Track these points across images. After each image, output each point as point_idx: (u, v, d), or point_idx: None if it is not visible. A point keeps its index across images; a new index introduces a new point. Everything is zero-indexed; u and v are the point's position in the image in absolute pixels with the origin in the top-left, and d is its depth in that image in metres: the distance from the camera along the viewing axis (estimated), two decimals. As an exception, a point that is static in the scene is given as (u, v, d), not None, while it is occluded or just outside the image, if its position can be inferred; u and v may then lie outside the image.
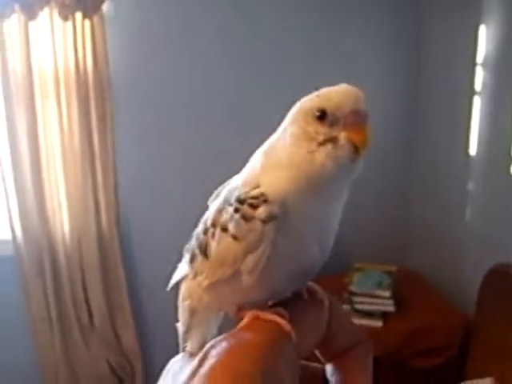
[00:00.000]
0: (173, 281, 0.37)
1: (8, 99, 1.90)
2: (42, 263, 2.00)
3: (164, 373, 0.28)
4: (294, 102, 0.33)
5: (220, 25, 2.08)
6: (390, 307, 1.93)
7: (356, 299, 1.95)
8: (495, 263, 1.82)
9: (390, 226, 2.38)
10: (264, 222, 0.27)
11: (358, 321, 1.90)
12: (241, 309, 0.30)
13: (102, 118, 1.97)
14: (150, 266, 2.18)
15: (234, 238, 0.28)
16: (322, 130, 0.28)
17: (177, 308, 0.36)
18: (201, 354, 0.25)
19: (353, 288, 1.98)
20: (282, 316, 0.26)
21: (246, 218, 0.27)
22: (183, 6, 2.05)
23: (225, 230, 0.28)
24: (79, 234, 2.03)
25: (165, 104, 2.09)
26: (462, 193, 2.09)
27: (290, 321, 0.26)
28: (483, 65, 1.97)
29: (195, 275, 0.32)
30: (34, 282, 2.01)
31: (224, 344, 0.25)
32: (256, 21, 2.11)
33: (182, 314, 0.36)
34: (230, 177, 0.33)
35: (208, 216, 0.31)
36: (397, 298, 1.95)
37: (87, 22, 1.94)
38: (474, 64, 2.01)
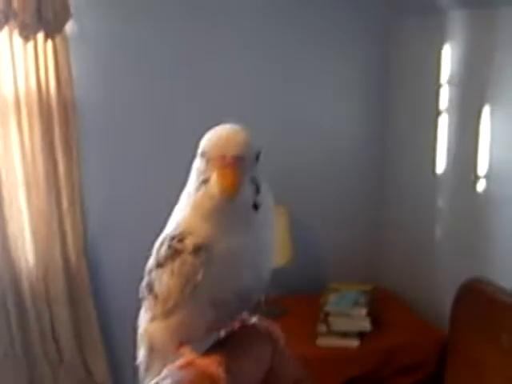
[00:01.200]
0: (138, 323, 0.39)
1: (-35, 125, 1.81)
2: (5, 297, 1.93)
3: None
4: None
5: (186, 48, 2.07)
6: (366, 326, 1.95)
7: (332, 319, 1.96)
8: (466, 278, 1.87)
9: (364, 247, 2.42)
10: (192, 253, 0.30)
11: (334, 342, 1.92)
12: (181, 346, 0.32)
13: (66, 143, 1.93)
14: (121, 297, 2.09)
15: (172, 272, 0.32)
16: (202, 169, 0.32)
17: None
18: None
19: (328, 308, 1.99)
20: (216, 364, 0.27)
21: (176, 251, 0.31)
22: (149, 27, 2.02)
23: (162, 266, 0.32)
24: (45, 266, 1.96)
25: (132, 128, 2.06)
26: (431, 211, 2.15)
27: (230, 361, 0.27)
28: (449, 83, 2.05)
29: (148, 314, 0.35)
30: (-4, 317, 1.92)
31: (168, 381, 0.27)
32: (224, 43, 2.11)
33: (141, 352, 0.38)
34: None
35: (151, 258, 0.34)
36: (373, 316, 1.97)
37: (49, 43, 1.89)
38: (439, 85, 2.07)
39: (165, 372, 0.28)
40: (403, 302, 2.26)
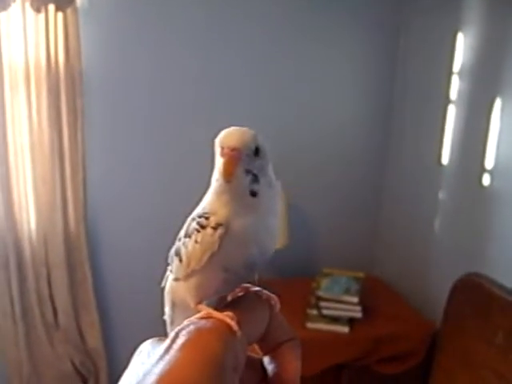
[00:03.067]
0: (163, 283, 0.45)
1: (-24, 91, 1.93)
2: (7, 258, 2.05)
3: (136, 353, 0.34)
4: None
5: (197, 20, 2.13)
6: (357, 313, 1.99)
7: (323, 304, 2.01)
8: (463, 273, 1.89)
9: (359, 233, 2.45)
10: (214, 228, 0.38)
11: (324, 326, 1.97)
12: (200, 304, 0.39)
13: (72, 113, 2.01)
14: (117, 264, 2.23)
15: (195, 241, 0.39)
16: (217, 157, 0.39)
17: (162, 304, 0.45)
18: (172, 335, 0.32)
19: (320, 293, 2.04)
20: (230, 317, 0.33)
21: (202, 226, 0.39)
22: (160, 1, 2.08)
23: (190, 236, 0.40)
24: (45, 230, 2.07)
25: (138, 100, 2.14)
26: (433, 201, 2.17)
27: (239, 319, 0.34)
28: (460, 73, 2.04)
29: (173, 275, 0.43)
30: (-2, 277, 2.04)
31: (191, 327, 0.32)
32: (234, 18, 2.15)
33: (167, 308, 0.45)
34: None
35: (182, 230, 0.42)
36: (364, 304, 2.02)
37: (60, 15, 1.98)
38: (451, 73, 2.07)
39: (186, 322, 0.33)
40: (396, 291, 2.29)
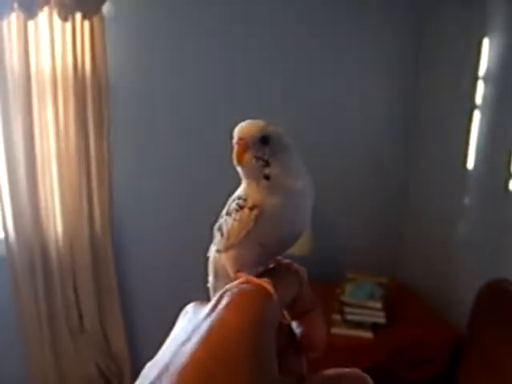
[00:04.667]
0: (208, 254, 0.50)
1: (5, 99, 2.01)
2: (34, 264, 2.12)
3: (182, 313, 0.37)
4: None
5: (220, 27, 2.18)
6: (381, 319, 2.03)
7: (347, 309, 2.05)
8: (489, 279, 1.90)
9: (384, 237, 2.47)
10: (250, 209, 0.43)
11: (348, 331, 2.01)
12: (239, 272, 0.44)
13: (99, 122, 2.08)
14: (142, 269, 2.29)
15: (234, 220, 0.44)
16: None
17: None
18: (217, 296, 0.35)
19: (344, 298, 2.08)
20: (267, 282, 0.37)
21: (240, 206, 0.44)
22: (184, 9, 2.15)
23: (230, 215, 0.45)
24: (72, 237, 2.13)
25: (165, 109, 2.19)
26: (458, 206, 2.19)
27: (273, 285, 0.37)
28: (485, 78, 2.07)
29: (216, 247, 0.48)
30: (24, 282, 2.11)
31: (234, 290, 0.35)
32: (255, 24, 2.20)
33: (210, 277, 0.50)
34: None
35: (224, 208, 0.48)
36: (388, 309, 2.05)
37: (87, 23, 2.04)
38: (476, 78, 2.09)
39: (228, 286, 0.37)
40: (420, 297, 2.31)
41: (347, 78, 2.31)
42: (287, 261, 0.45)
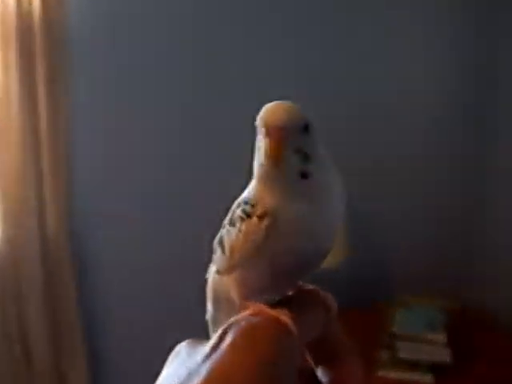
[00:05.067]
0: (207, 275, 0.43)
1: None
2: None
3: (172, 354, 0.32)
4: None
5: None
6: (445, 356, 1.64)
7: (399, 344, 1.67)
8: None
9: (445, 248, 2.04)
10: (259, 217, 0.36)
11: (401, 374, 1.63)
12: (247, 300, 0.36)
13: (52, 85, 1.61)
14: (114, 292, 1.84)
15: (239, 231, 0.37)
16: (259, 139, 0.37)
17: None
18: (219, 332, 0.30)
19: (395, 329, 1.72)
20: (285, 315, 0.31)
21: (247, 214, 0.37)
22: None
23: (234, 224, 0.38)
24: (15, 246, 1.68)
25: (145, 69, 1.72)
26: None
27: (293, 318, 0.31)
28: None
29: (216, 267, 0.41)
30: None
31: (242, 324, 0.30)
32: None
33: (209, 305, 0.42)
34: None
35: (227, 215, 0.40)
36: (454, 344, 1.68)
37: None
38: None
39: (234, 319, 0.31)
40: (498, 327, 1.93)
41: (405, 70, 1.89)
42: (311, 287, 0.38)
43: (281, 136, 0.35)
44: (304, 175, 0.36)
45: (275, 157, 0.34)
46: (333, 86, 1.81)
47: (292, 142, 0.35)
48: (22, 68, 1.56)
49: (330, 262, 1.54)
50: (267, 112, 0.36)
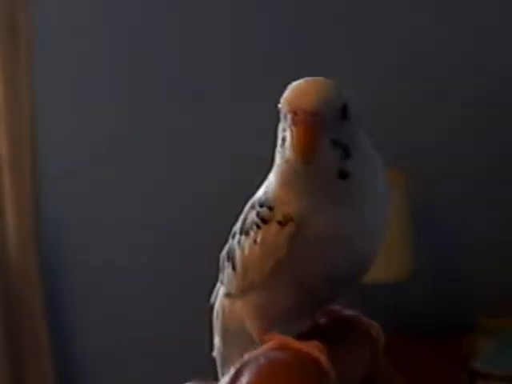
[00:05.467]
0: (212, 299, 0.37)
1: None
2: None
3: None
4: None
5: None
6: None
7: None
8: None
9: None
10: (280, 223, 0.30)
11: None
12: (267, 331, 0.31)
13: (10, 41, 1.28)
14: (96, 327, 1.47)
15: (254, 242, 0.31)
16: (282, 127, 0.31)
17: None
18: (232, 372, 0.26)
19: (478, 364, 1.34)
20: (318, 348, 0.27)
21: (263, 219, 0.31)
22: None
23: (247, 233, 0.32)
24: None
25: (130, 21, 1.40)
26: None
27: (328, 355, 0.27)
28: None
29: (225, 288, 0.35)
30: None
31: (261, 361, 0.26)
32: None
33: (216, 339, 0.37)
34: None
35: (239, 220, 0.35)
36: None
37: None
38: None
39: (249, 356, 0.26)
40: None
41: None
42: (350, 312, 0.33)
43: (313, 124, 0.28)
44: (343, 175, 0.29)
45: (306, 151, 0.28)
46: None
47: (328, 132, 0.28)
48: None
49: (389, 279, 1.15)
50: (294, 92, 0.29)
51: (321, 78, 0.29)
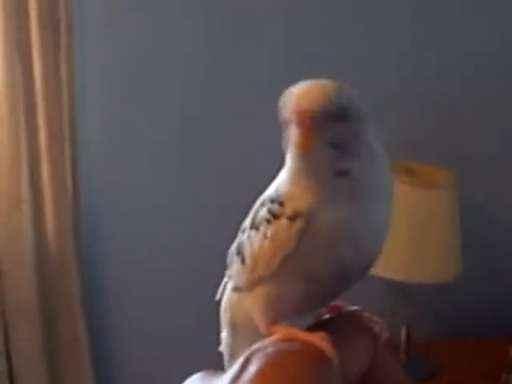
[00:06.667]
0: (219, 295, 0.38)
1: None
2: None
3: None
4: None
5: None
6: None
7: None
8: None
9: None
10: (290, 219, 0.31)
11: None
12: (274, 324, 0.32)
13: (53, 43, 1.20)
14: (132, 312, 1.43)
15: (264, 236, 0.32)
16: (289, 127, 0.32)
17: None
18: (241, 360, 0.26)
19: None
20: (324, 339, 0.27)
21: (274, 215, 0.32)
22: None
23: (257, 228, 0.33)
24: (2, 256, 1.25)
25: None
26: None
27: (333, 346, 0.27)
28: None
29: (233, 282, 0.36)
30: None
31: (269, 350, 0.26)
32: None
33: (224, 333, 0.37)
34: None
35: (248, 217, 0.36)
36: None
37: None
38: None
39: (257, 345, 0.26)
40: None
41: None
42: (353, 308, 0.33)
43: (310, 124, 0.29)
44: (340, 173, 0.30)
45: (303, 150, 0.30)
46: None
47: (326, 132, 0.30)
48: (9, 19, 1.13)
49: (438, 279, 1.07)
50: (296, 93, 0.30)
51: (323, 81, 0.31)
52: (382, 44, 1.33)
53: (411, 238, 1.17)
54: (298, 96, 0.30)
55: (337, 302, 0.33)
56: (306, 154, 0.30)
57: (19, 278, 1.24)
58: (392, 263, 1.17)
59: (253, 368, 0.25)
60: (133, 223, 1.39)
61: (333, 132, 0.30)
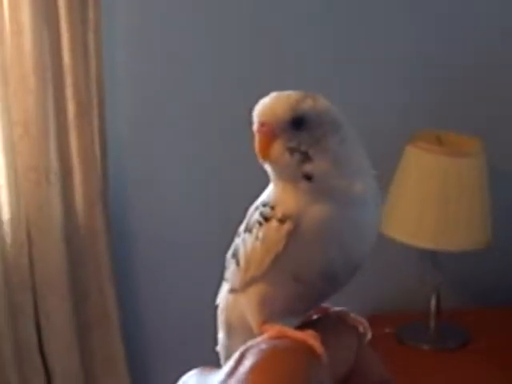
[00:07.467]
0: (218, 300, 0.39)
1: None
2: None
3: None
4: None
5: None
6: None
7: None
8: None
9: None
10: (280, 221, 0.32)
11: None
12: (266, 323, 0.33)
13: (80, 16, 1.20)
14: (161, 289, 1.42)
15: (257, 238, 0.33)
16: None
17: None
18: (237, 356, 0.27)
19: None
20: (313, 337, 0.28)
21: (265, 218, 0.33)
22: None
23: (250, 231, 0.34)
24: (28, 223, 1.25)
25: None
26: None
27: (322, 343, 0.28)
28: None
29: (229, 284, 0.37)
30: None
31: (262, 346, 0.27)
32: None
33: (220, 334, 0.39)
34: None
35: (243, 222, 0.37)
36: None
37: None
38: None
39: (252, 342, 0.28)
40: None
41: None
42: (339, 309, 0.35)
43: (264, 132, 0.32)
44: (307, 177, 0.32)
45: (260, 155, 0.32)
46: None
47: (284, 139, 0.32)
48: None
49: (468, 247, 1.06)
50: (259, 105, 0.33)
51: (283, 93, 0.33)
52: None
53: (440, 207, 1.16)
54: (258, 106, 0.33)
55: (324, 304, 0.35)
56: (266, 160, 0.32)
57: (48, 249, 1.24)
58: (422, 232, 1.17)
59: (248, 362, 0.26)
60: (163, 195, 1.38)
61: (292, 138, 0.32)
